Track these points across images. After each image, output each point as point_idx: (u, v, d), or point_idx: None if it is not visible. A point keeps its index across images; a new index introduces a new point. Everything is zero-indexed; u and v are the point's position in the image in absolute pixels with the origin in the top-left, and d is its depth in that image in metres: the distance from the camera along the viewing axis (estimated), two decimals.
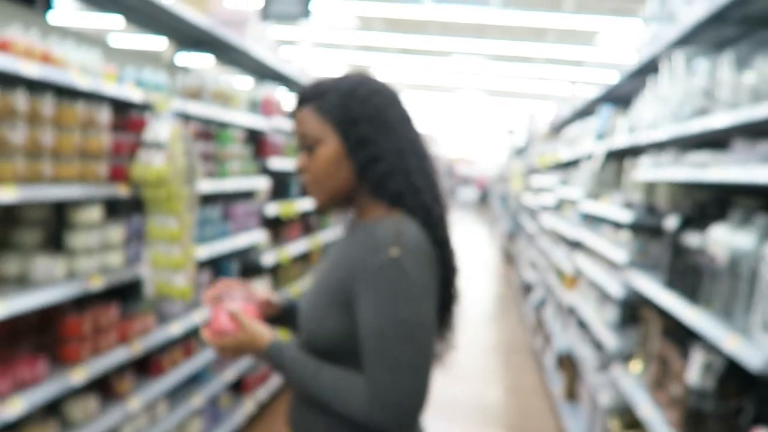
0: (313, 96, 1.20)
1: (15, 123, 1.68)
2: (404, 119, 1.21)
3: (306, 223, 4.60)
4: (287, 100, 3.99)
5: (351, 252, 1.16)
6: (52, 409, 2.08)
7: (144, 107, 2.35)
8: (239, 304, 1.26)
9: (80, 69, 1.90)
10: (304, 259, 4.66)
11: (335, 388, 1.11)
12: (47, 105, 1.80)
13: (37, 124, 1.77)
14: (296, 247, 4.21)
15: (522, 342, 5.91)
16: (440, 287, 1.19)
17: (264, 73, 4.05)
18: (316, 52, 9.32)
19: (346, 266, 1.15)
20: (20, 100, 1.69)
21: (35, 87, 1.83)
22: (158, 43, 3.47)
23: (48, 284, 1.92)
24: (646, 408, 2.25)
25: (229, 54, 3.48)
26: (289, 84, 4.31)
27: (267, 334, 1.20)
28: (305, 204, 4.36)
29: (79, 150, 1.95)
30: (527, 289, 6.98)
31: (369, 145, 1.17)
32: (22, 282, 1.93)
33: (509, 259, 10.34)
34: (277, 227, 4.00)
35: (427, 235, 1.16)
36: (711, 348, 1.84)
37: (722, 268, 1.76)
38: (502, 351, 5.60)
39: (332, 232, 5.30)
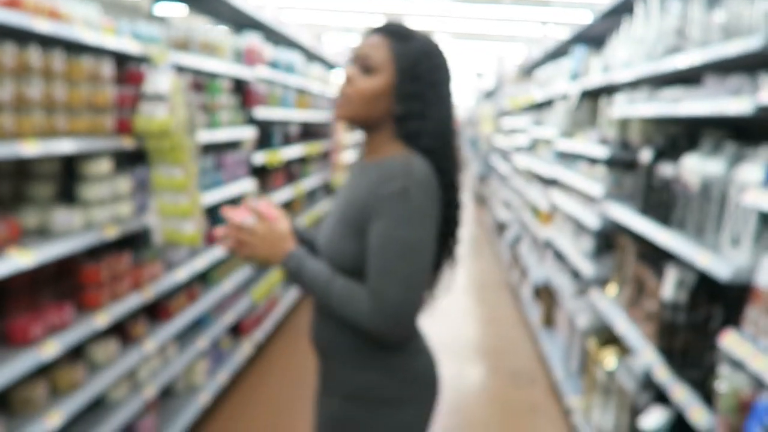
0: (395, 34, 1.29)
1: (31, 79, 1.73)
2: (450, 95, 1.33)
3: (289, 172, 4.69)
4: (266, 49, 3.99)
5: (366, 186, 1.28)
6: (78, 352, 2.20)
7: (141, 60, 2.38)
8: (261, 204, 1.31)
9: (84, 23, 1.93)
10: (288, 206, 4.77)
11: (344, 296, 1.24)
12: (58, 60, 1.84)
13: (50, 79, 1.82)
14: (281, 194, 4.31)
15: (498, 278, 6.19)
16: (442, 225, 1.33)
17: (239, 21, 4.03)
18: None
19: (361, 199, 1.27)
20: (34, 56, 1.73)
21: (44, 43, 1.86)
22: None
23: (68, 234, 2.00)
24: (623, 324, 2.50)
25: (203, 2, 3.45)
26: (265, 32, 4.30)
27: (291, 239, 1.30)
28: (289, 153, 4.43)
29: (87, 104, 2.00)
30: (501, 228, 7.24)
31: (419, 103, 1.27)
32: (42, 233, 2.01)
33: (481, 201, 10.60)
34: (263, 176, 4.08)
35: (437, 177, 1.28)
36: (684, 265, 2.05)
37: (695, 193, 1.95)
38: (479, 288, 5.88)
39: (313, 179, 5.40)
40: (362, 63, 1.29)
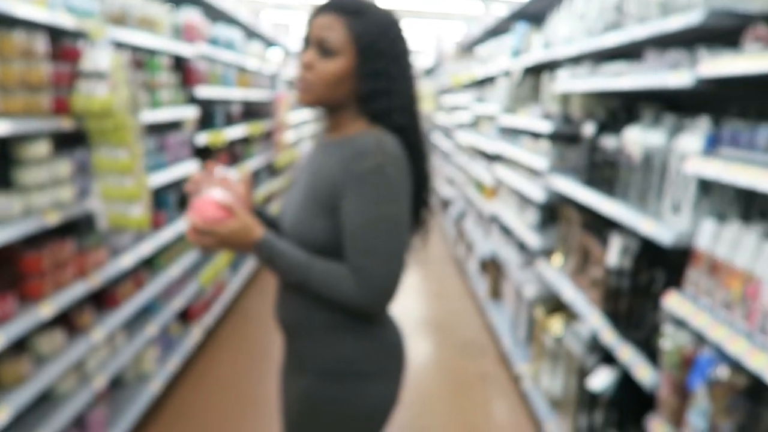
0: (348, 10, 1.25)
1: None
2: (411, 68, 1.32)
3: (233, 152, 4.58)
4: (204, 25, 3.85)
5: (333, 163, 1.26)
6: (21, 345, 2.10)
7: (77, 35, 2.25)
8: (222, 195, 1.26)
9: None
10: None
11: (325, 278, 1.23)
12: None
13: None
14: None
15: (444, 253, 6.30)
16: (414, 197, 1.34)
17: None
18: None
19: (330, 177, 1.26)
20: None
21: None
22: None
23: (6, 222, 1.89)
24: (569, 292, 2.60)
25: None
26: (203, 7, 4.15)
27: (257, 226, 1.27)
28: (232, 133, 4.33)
29: (21, 82, 1.88)
30: (445, 204, 7.36)
31: (384, 79, 1.26)
32: None
33: None
34: (206, 157, 3.97)
35: (406, 151, 1.29)
36: (628, 233, 2.16)
37: (637, 164, 2.04)
38: (425, 263, 5.97)
39: (257, 160, 5.30)
40: (320, 46, 1.26)
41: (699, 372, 1.54)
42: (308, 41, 1.28)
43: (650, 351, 1.90)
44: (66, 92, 2.14)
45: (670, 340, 1.70)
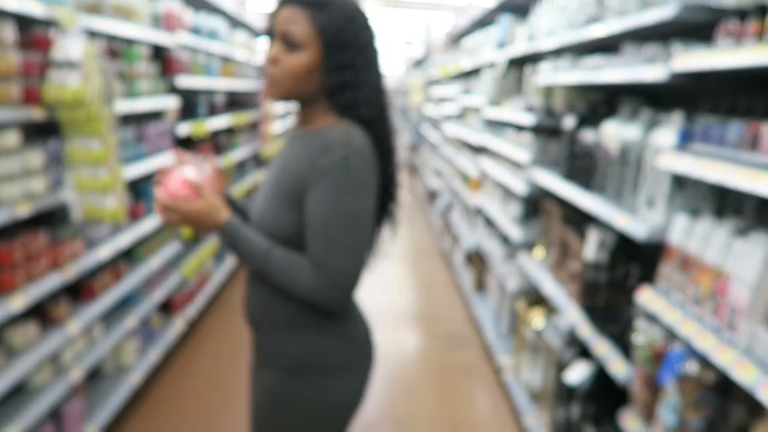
0: (310, 3, 1.23)
1: None
2: (378, 57, 1.30)
3: (216, 143, 4.54)
4: (186, 14, 3.81)
5: (301, 156, 1.25)
6: None
7: (48, 23, 2.21)
8: (192, 172, 1.27)
9: None
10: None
11: (285, 267, 1.22)
12: None
13: None
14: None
15: (430, 245, 6.30)
16: (381, 192, 1.33)
17: None
18: None
19: (297, 170, 1.25)
20: None
21: None
22: None
23: None
24: (549, 285, 2.60)
25: None
26: None
27: (224, 208, 1.28)
28: (215, 123, 4.29)
29: None
30: (432, 196, 7.35)
31: (350, 71, 1.24)
32: None
33: (412, 170, 10.70)
34: (188, 147, 3.93)
35: (373, 146, 1.27)
36: (604, 227, 2.15)
37: (614, 158, 2.04)
38: (412, 256, 5.96)
39: (242, 151, 5.26)
40: (285, 40, 1.24)
41: (669, 367, 1.54)
42: (272, 35, 1.27)
43: (625, 345, 1.90)
44: (37, 82, 2.10)
45: (642, 335, 1.70)
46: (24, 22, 2.17)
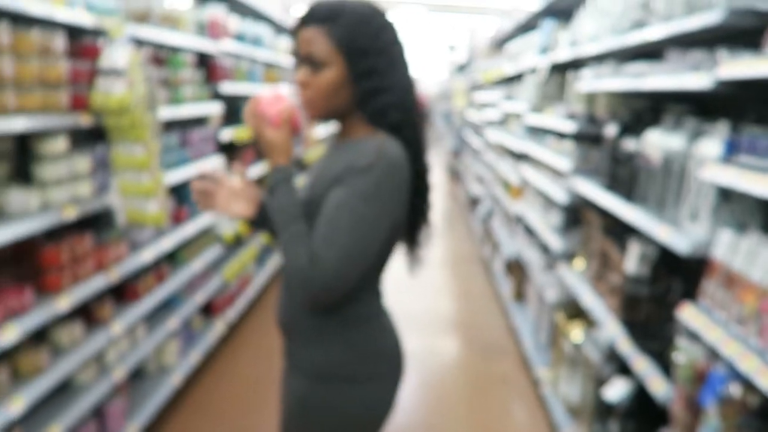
0: (323, 18, 1.23)
1: None
2: (404, 56, 1.29)
3: (257, 147, 4.62)
4: (231, 21, 3.89)
5: (337, 165, 1.26)
6: (41, 336, 2.16)
7: (97, 33, 2.29)
8: (293, 110, 1.27)
9: None
10: (259, 183, 4.71)
11: (295, 241, 1.19)
12: (4, 33, 1.76)
13: None
14: (252, 171, 4.25)
15: (471, 252, 6.24)
16: (411, 211, 1.32)
17: None
18: None
19: (332, 178, 1.25)
20: None
21: None
22: None
23: (24, 216, 1.95)
24: (589, 298, 2.54)
25: None
26: (230, 3, 4.19)
27: (288, 159, 1.27)
28: None
29: (38, 79, 1.92)
30: (474, 202, 7.28)
31: (375, 77, 1.24)
32: None
33: (455, 175, 10.63)
34: (231, 153, 4.01)
35: (409, 164, 1.27)
36: (646, 239, 2.08)
37: (656, 168, 1.97)
38: (452, 262, 5.92)
39: None
40: (309, 62, 1.25)
41: (711, 388, 1.47)
42: (298, 58, 1.28)
43: (665, 363, 1.83)
44: (85, 89, 2.18)
45: (683, 354, 1.63)
46: (74, 32, 2.26)
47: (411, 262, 1.42)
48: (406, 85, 1.29)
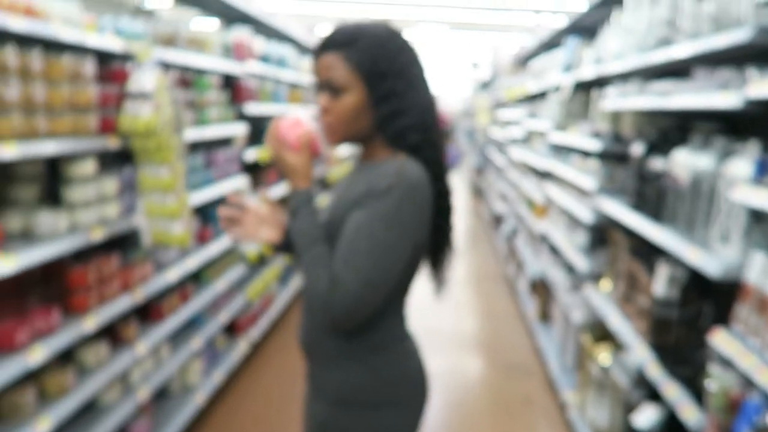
0: (341, 43, 1.24)
1: (8, 79, 1.70)
2: (423, 76, 1.29)
3: (278, 169, 4.65)
4: (256, 43, 3.95)
5: (358, 187, 1.26)
6: (67, 356, 2.18)
7: (125, 57, 2.35)
8: (312, 132, 1.28)
9: (63, 20, 1.90)
10: (282, 202, 4.74)
11: (316, 263, 1.20)
12: (36, 59, 1.81)
13: (28, 79, 1.79)
14: (275, 191, 4.29)
15: (495, 271, 6.18)
16: (434, 233, 1.31)
17: (229, 14, 3.98)
18: None
19: (353, 200, 1.25)
20: (11, 55, 1.70)
21: (21, 42, 1.83)
22: None
23: (53, 238, 1.98)
24: (616, 320, 2.48)
25: None
26: (255, 25, 4.26)
27: (309, 182, 1.27)
28: None
29: (69, 103, 1.97)
30: (498, 220, 7.22)
31: (394, 100, 1.24)
32: (26, 236, 1.99)
33: (478, 192, 10.58)
34: (256, 173, 4.05)
35: (430, 185, 1.26)
36: (675, 261, 2.03)
37: (685, 188, 1.93)
38: (476, 281, 5.86)
39: None
40: (329, 88, 1.26)
41: (746, 418, 1.42)
42: (319, 84, 1.28)
43: (697, 390, 1.78)
44: (113, 113, 2.22)
45: (716, 381, 1.58)
46: (103, 57, 2.31)
47: (435, 284, 1.41)
48: (426, 106, 1.29)
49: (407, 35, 1.30)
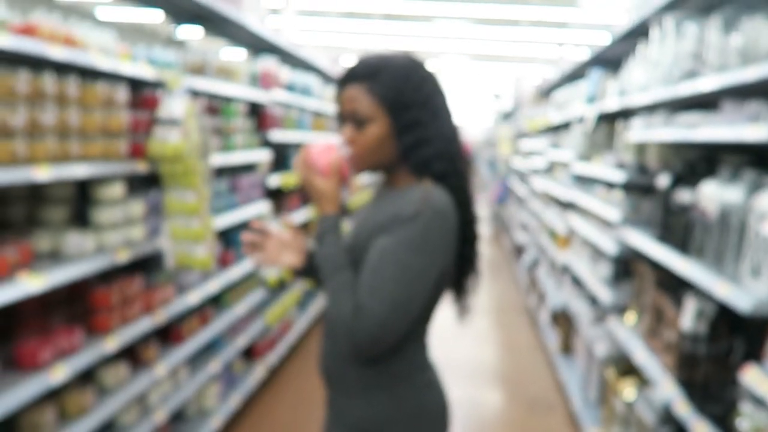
0: (364, 75, 1.26)
1: (45, 105, 1.75)
2: (446, 105, 1.30)
3: (304, 194, 4.69)
4: (282, 72, 4.03)
5: (382, 213, 1.27)
6: (87, 376, 2.19)
7: (156, 85, 2.41)
8: (342, 158, 1.30)
9: (99, 50, 1.96)
10: (304, 228, 4.77)
11: (341, 290, 1.20)
12: (72, 86, 1.87)
13: (64, 104, 1.84)
14: (297, 216, 4.31)
15: (516, 302, 6.10)
16: (459, 260, 1.30)
17: (257, 44, 4.08)
18: (300, 21, 9.25)
19: (376, 226, 1.25)
20: (49, 82, 1.76)
21: (59, 68, 1.89)
22: (151, 16, 3.47)
23: (80, 258, 2.01)
24: (642, 355, 2.42)
25: (222, 26, 3.49)
26: (282, 55, 4.35)
27: (337, 207, 1.28)
28: None
29: (101, 129, 2.02)
30: (519, 251, 7.16)
31: (418, 129, 1.25)
32: (54, 257, 2.02)
33: (499, 222, 10.52)
34: (278, 198, 4.09)
35: (456, 212, 1.26)
36: (703, 295, 1.99)
37: (713, 221, 1.90)
38: (496, 311, 5.79)
39: None
40: (353, 119, 1.27)
41: None
42: (343, 116, 1.30)
43: (728, 429, 1.72)
44: (143, 138, 2.27)
45: (747, 420, 1.53)
46: (136, 84, 2.38)
47: (459, 311, 1.39)
48: (450, 135, 1.29)
49: (430, 66, 1.31)
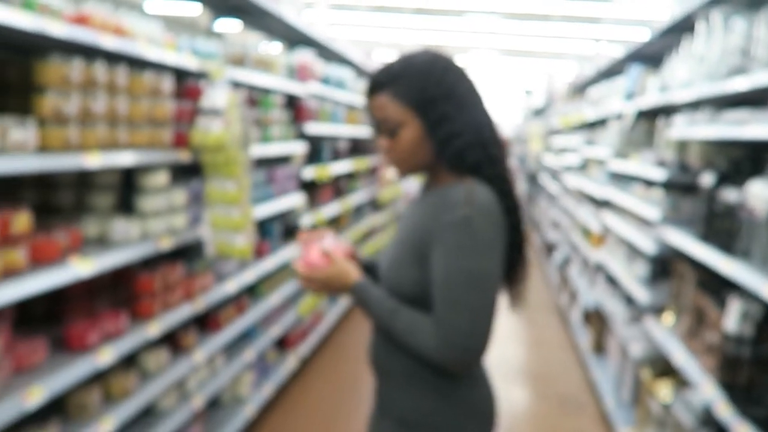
0: (387, 82, 1.26)
1: (96, 93, 1.80)
2: (474, 92, 1.29)
3: (337, 187, 4.72)
4: (317, 65, 4.05)
5: (426, 213, 1.27)
6: (130, 360, 2.25)
7: (199, 75, 2.44)
8: (330, 243, 1.39)
9: (147, 40, 2.00)
10: (335, 221, 4.80)
11: (409, 328, 1.23)
12: (122, 75, 1.91)
13: (114, 93, 1.89)
14: (329, 209, 4.34)
15: (546, 300, 6.05)
16: (508, 249, 1.30)
17: (293, 37, 4.10)
18: (332, 14, 9.28)
19: (422, 226, 1.26)
20: (100, 71, 1.80)
21: (109, 58, 1.94)
22: (189, 8, 3.53)
23: (126, 244, 2.06)
24: (680, 356, 2.39)
25: (259, 19, 3.52)
26: (317, 48, 4.37)
27: (355, 271, 1.33)
28: (338, 168, 4.47)
29: (147, 118, 2.06)
30: (549, 249, 7.10)
31: (447, 123, 1.25)
32: (101, 242, 2.07)
33: (529, 220, 10.43)
34: (311, 190, 4.12)
35: (498, 202, 1.26)
36: (749, 296, 1.95)
37: (761, 220, 1.86)
38: (526, 309, 5.75)
39: (360, 195, 5.42)
40: (384, 128, 1.29)
41: None
42: (375, 126, 1.32)
43: None
44: (186, 127, 2.31)
45: None
46: (180, 74, 2.42)
47: (513, 300, 1.39)
48: (481, 122, 1.28)
49: (453, 58, 1.30)
